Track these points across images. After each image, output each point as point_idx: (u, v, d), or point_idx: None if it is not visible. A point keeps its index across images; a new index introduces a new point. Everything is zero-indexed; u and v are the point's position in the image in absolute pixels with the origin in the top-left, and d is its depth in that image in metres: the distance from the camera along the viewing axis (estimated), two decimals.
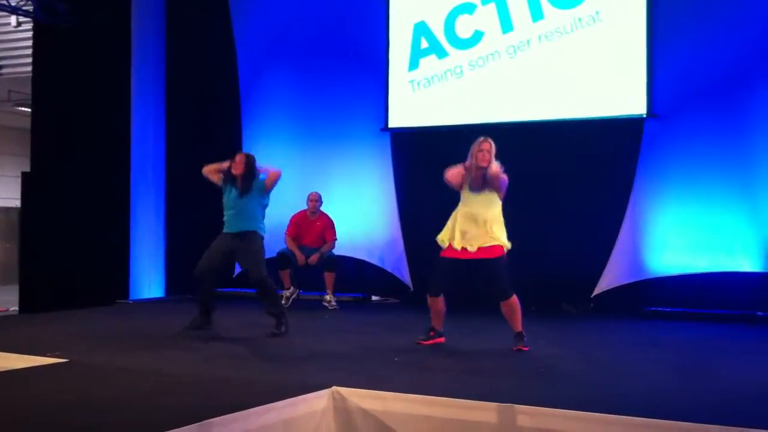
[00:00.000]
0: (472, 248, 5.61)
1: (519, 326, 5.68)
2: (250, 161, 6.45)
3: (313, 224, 8.63)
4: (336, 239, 8.63)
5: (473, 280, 5.73)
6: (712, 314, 7.52)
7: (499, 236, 5.65)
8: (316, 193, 8.67)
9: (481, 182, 5.70)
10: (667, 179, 7.95)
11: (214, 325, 6.54)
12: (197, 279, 6.40)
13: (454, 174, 5.79)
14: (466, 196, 5.76)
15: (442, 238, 5.77)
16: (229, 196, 6.46)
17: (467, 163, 5.77)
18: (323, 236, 8.61)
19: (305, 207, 8.67)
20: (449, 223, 5.78)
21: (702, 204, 7.77)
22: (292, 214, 8.70)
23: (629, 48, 8.02)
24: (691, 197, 7.83)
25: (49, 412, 3.84)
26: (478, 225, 5.64)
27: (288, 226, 8.66)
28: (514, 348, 5.62)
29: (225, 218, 6.48)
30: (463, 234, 5.66)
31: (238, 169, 6.40)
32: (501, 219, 5.73)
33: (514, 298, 5.64)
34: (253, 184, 6.41)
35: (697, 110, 7.83)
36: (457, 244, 5.65)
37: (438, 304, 5.79)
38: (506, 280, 5.62)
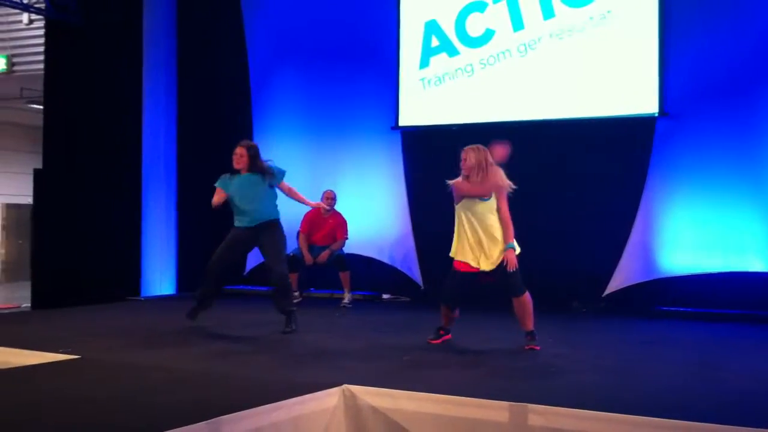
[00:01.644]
0: (488, 267, 5.60)
1: (530, 325, 5.67)
2: (252, 151, 6.26)
3: (326, 222, 8.62)
4: (347, 238, 8.62)
5: (486, 285, 5.71)
6: (724, 314, 7.48)
7: (501, 244, 5.62)
8: (331, 191, 8.66)
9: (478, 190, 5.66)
10: (679, 178, 7.92)
11: (225, 323, 6.56)
12: (210, 272, 6.33)
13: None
14: (468, 201, 5.69)
15: (455, 253, 5.73)
16: (242, 186, 6.25)
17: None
18: (334, 234, 8.61)
19: None
20: (458, 237, 5.72)
21: (714, 203, 7.73)
22: (306, 211, 8.70)
23: (641, 46, 7.98)
24: (703, 196, 7.79)
25: (60, 409, 3.86)
26: (489, 241, 5.60)
27: (301, 223, 8.66)
28: (526, 347, 5.61)
29: (241, 209, 6.25)
30: (478, 253, 5.63)
31: (240, 163, 6.25)
32: (496, 216, 5.66)
33: (527, 295, 5.64)
34: (271, 170, 6.25)
35: (709, 109, 7.80)
36: (474, 263, 5.64)
37: (451, 312, 5.83)
38: (518, 278, 5.61)
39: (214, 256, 6.35)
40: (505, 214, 5.66)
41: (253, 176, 6.29)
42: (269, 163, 6.37)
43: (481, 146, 5.74)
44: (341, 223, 8.64)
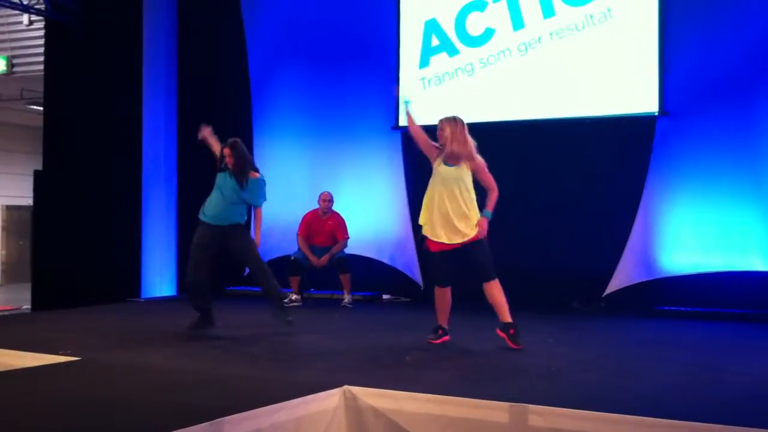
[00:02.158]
0: (457, 240, 5.59)
1: (508, 315, 5.59)
2: (237, 151, 6.26)
3: (325, 224, 8.61)
4: (348, 238, 8.62)
5: (463, 264, 5.69)
6: (725, 313, 7.48)
7: (475, 218, 5.61)
8: (328, 193, 8.65)
9: (454, 157, 5.65)
10: (680, 177, 7.91)
11: (225, 324, 6.55)
12: (191, 288, 6.27)
13: (424, 142, 5.78)
14: (440, 169, 5.68)
15: (423, 222, 5.74)
16: (225, 184, 6.27)
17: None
18: (334, 236, 8.59)
19: (316, 206, 8.66)
20: (426, 205, 5.71)
21: (714, 202, 7.73)
22: (304, 214, 8.69)
23: (641, 45, 7.98)
24: (703, 196, 7.79)
25: (60, 411, 3.86)
26: (457, 216, 5.57)
27: (300, 226, 8.64)
28: (511, 346, 5.53)
29: (213, 206, 6.25)
30: (445, 228, 5.60)
31: (230, 163, 6.27)
32: (472, 192, 5.67)
33: (497, 281, 5.61)
34: (248, 180, 6.25)
35: (710, 108, 7.79)
36: (442, 239, 5.63)
37: (446, 295, 5.76)
38: (490, 260, 5.62)
39: (192, 264, 6.22)
40: (491, 181, 5.66)
41: (234, 181, 6.26)
42: (261, 181, 6.34)
43: (458, 117, 5.73)
44: (340, 224, 8.63)
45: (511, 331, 5.59)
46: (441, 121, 5.74)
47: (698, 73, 7.84)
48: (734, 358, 5.50)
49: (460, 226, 5.59)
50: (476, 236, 5.57)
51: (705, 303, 7.65)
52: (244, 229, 6.38)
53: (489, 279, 5.62)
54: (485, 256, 5.61)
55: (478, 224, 5.58)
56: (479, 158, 5.70)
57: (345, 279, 8.44)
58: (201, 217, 6.33)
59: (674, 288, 7.86)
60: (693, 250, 7.80)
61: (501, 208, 5.77)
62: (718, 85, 7.76)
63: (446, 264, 5.71)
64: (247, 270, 7.89)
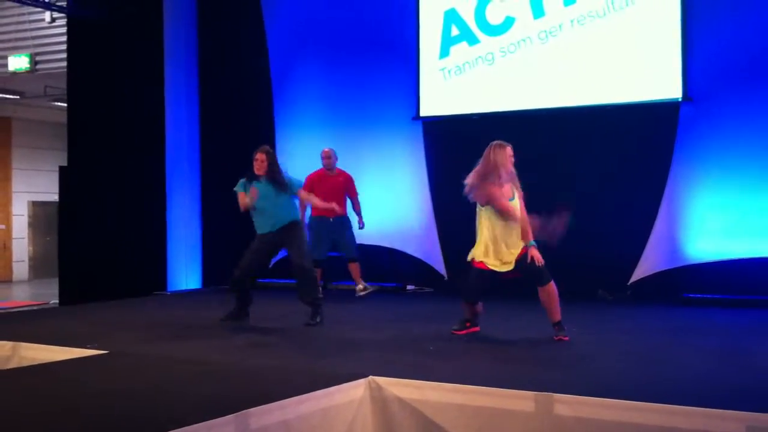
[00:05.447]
0: (504, 269, 5.60)
1: (558, 315, 5.63)
2: (270, 157, 6.37)
3: (335, 180, 8.34)
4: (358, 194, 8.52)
5: (510, 280, 5.70)
6: (752, 300, 7.40)
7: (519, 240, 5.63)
8: (328, 149, 8.40)
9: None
10: (704, 163, 7.84)
11: (252, 316, 6.58)
12: (235, 281, 6.35)
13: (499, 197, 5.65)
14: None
15: (472, 256, 5.70)
16: (261, 193, 6.32)
17: (499, 177, 5.63)
18: (347, 192, 8.36)
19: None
20: (478, 238, 5.69)
21: (740, 188, 7.64)
22: (309, 174, 8.37)
23: (663, 31, 7.90)
24: (728, 181, 7.71)
25: (90, 403, 3.91)
26: (506, 240, 5.58)
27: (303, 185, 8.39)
28: (555, 338, 5.57)
29: (261, 216, 6.35)
30: (494, 254, 5.60)
31: (261, 169, 6.33)
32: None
33: (552, 284, 5.59)
34: (287, 182, 6.36)
35: (734, 93, 7.71)
36: (489, 264, 5.62)
37: (474, 308, 5.83)
38: (542, 268, 5.59)
39: (242, 263, 6.33)
40: (521, 215, 5.64)
41: (269, 185, 6.32)
42: (287, 175, 6.42)
43: (497, 147, 5.66)
44: (350, 180, 8.42)
45: (557, 329, 5.63)
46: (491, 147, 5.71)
47: (721, 58, 7.75)
48: (762, 345, 5.45)
49: (508, 252, 5.59)
50: (530, 262, 5.56)
51: (732, 290, 7.57)
52: (298, 226, 6.45)
53: (541, 284, 5.61)
54: (535, 265, 5.57)
55: (531, 255, 5.53)
56: (496, 197, 5.59)
57: (354, 267, 8.40)
58: (258, 230, 6.42)
59: (700, 275, 7.79)
60: (719, 237, 7.72)
61: (524, 196, 5.75)
62: (742, 70, 7.66)
63: (485, 284, 5.69)
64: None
